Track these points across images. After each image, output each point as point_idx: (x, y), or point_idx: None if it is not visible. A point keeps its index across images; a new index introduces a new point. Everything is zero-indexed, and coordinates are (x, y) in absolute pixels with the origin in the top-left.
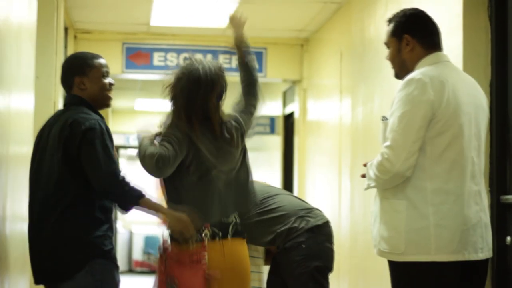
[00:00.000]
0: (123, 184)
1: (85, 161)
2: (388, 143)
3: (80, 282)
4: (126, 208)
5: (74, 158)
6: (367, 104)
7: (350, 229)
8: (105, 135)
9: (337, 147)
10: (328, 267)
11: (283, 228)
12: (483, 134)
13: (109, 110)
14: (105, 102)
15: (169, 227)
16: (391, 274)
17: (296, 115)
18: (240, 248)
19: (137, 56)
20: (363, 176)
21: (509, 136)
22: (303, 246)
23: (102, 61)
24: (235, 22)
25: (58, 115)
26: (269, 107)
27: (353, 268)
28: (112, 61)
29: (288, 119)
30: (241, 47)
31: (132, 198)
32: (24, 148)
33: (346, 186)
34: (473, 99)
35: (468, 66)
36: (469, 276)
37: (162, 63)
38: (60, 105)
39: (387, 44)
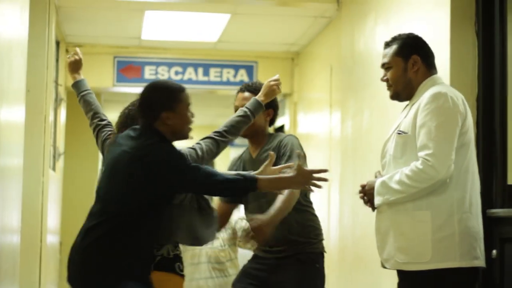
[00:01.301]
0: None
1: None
2: (429, 151)
3: None
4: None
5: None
6: (357, 117)
7: (339, 242)
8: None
9: (326, 160)
10: None
11: (313, 240)
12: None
13: None
14: (186, 135)
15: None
16: (407, 285)
17: (286, 128)
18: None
19: (128, 69)
20: (364, 195)
21: (495, 150)
22: (317, 265)
23: (187, 93)
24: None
25: (127, 137)
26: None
27: (342, 280)
28: (103, 74)
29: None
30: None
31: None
32: (15, 161)
33: (335, 198)
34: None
35: (455, 80)
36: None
37: (153, 77)
38: (51, 118)
39: (388, 64)
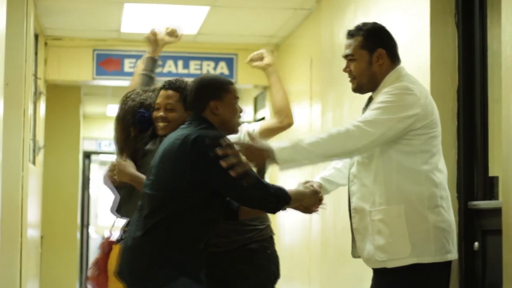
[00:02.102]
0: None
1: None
2: (366, 119)
3: None
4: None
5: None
6: (337, 109)
7: (321, 234)
8: None
9: None
10: (279, 276)
11: (260, 227)
12: None
13: (81, 115)
14: (235, 127)
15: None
16: (386, 282)
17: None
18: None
19: (107, 62)
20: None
21: (475, 142)
22: (268, 251)
23: (235, 86)
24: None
25: (177, 130)
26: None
27: (324, 273)
28: (82, 67)
29: None
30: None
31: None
32: None
33: None
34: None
35: (436, 72)
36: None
37: (132, 70)
38: (30, 111)
39: (352, 56)
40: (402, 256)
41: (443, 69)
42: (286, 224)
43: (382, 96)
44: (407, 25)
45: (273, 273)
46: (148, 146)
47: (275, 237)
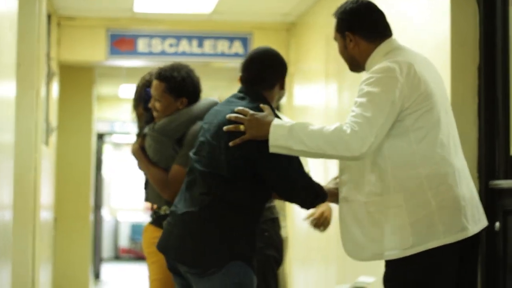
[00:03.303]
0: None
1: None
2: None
3: (216, 284)
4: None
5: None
6: (354, 88)
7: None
8: None
9: None
10: (282, 260)
11: None
12: (450, 106)
13: (94, 97)
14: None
15: None
16: (392, 274)
17: (283, 101)
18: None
19: (121, 42)
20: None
21: (497, 120)
22: (266, 234)
23: None
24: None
25: (229, 102)
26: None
27: (341, 256)
28: (96, 47)
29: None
30: None
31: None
32: (6, 136)
33: (333, 169)
34: (434, 75)
35: (456, 49)
36: (467, 251)
37: (146, 49)
38: (43, 92)
39: (334, 39)
40: (405, 247)
41: (463, 45)
42: None
43: (363, 86)
44: (426, 3)
45: (272, 257)
46: (145, 130)
47: (291, 221)
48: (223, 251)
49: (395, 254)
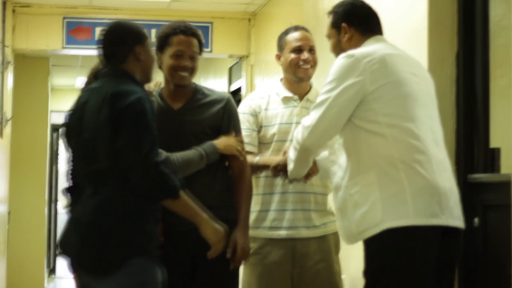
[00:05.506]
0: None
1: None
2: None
3: (118, 283)
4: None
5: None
6: (320, 79)
7: None
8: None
9: None
10: None
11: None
12: (435, 104)
13: (49, 88)
14: (151, 76)
15: (203, 234)
16: (365, 254)
17: (242, 92)
18: None
19: (78, 31)
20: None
21: (476, 110)
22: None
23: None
24: None
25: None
26: (215, 83)
27: None
28: (51, 36)
29: (235, 96)
30: None
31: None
32: None
33: None
34: (414, 70)
35: (433, 36)
36: (445, 247)
37: None
38: None
39: (328, 36)
40: (375, 223)
41: (441, 32)
42: None
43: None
44: None
45: None
46: None
47: None
48: (116, 251)
49: (368, 232)
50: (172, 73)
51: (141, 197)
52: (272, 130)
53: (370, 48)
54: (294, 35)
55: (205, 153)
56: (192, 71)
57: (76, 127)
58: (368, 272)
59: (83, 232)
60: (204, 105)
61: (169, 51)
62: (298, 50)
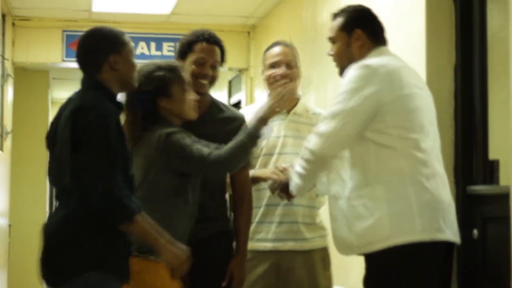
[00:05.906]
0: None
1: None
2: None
3: None
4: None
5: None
6: (320, 90)
7: None
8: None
9: None
10: None
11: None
12: (435, 117)
13: (49, 101)
14: (134, 84)
15: (164, 261)
16: (368, 267)
17: (242, 105)
18: None
19: None
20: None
21: (474, 122)
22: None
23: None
24: None
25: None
26: (214, 96)
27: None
28: (52, 49)
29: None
30: None
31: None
32: None
33: None
34: (420, 84)
35: (431, 49)
36: (444, 261)
37: None
38: None
39: (332, 38)
40: (381, 238)
41: (439, 45)
42: None
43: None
44: (400, 0)
45: None
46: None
47: None
48: (69, 264)
49: (373, 246)
50: (193, 80)
51: (96, 220)
52: (260, 144)
53: (383, 59)
54: (271, 51)
55: (249, 130)
56: (212, 79)
57: (52, 139)
58: (371, 284)
59: (45, 244)
60: (221, 120)
61: (191, 58)
62: (274, 65)
